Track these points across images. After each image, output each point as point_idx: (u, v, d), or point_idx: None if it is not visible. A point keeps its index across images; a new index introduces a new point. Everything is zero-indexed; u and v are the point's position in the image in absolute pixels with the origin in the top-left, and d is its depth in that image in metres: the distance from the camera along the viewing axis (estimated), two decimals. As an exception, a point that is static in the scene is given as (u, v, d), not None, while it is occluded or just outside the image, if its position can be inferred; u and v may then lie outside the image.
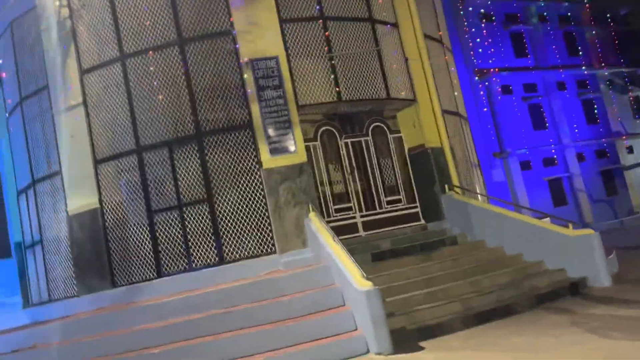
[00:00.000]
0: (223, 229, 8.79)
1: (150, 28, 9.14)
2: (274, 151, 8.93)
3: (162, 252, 8.88)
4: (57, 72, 9.67)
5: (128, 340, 7.21)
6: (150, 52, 9.04)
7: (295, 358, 6.52)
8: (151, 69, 9.09)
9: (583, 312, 6.85)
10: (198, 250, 8.80)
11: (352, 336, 6.70)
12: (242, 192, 8.88)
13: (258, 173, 8.90)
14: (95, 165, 9.28)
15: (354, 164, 10.18)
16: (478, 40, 23.74)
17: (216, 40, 9.10)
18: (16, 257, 12.14)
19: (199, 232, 8.82)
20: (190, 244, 8.82)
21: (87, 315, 8.34)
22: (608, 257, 8.67)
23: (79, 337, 7.66)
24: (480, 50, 23.67)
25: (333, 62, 9.57)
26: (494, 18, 24.58)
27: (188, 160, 8.96)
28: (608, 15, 27.96)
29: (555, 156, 24.80)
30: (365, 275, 6.69)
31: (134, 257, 8.97)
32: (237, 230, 8.81)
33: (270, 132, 8.94)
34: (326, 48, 9.55)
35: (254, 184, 8.90)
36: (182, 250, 8.83)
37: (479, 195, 11.08)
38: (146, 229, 8.96)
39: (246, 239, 8.81)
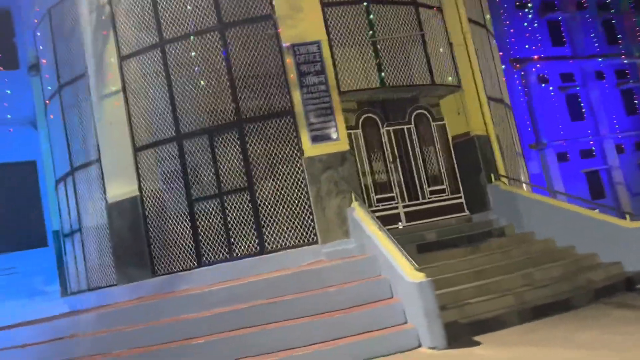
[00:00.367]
0: (264, 218, 8.60)
1: (190, 13, 8.95)
2: (315, 139, 8.68)
3: (203, 241, 8.73)
4: (96, 58, 9.56)
5: (171, 330, 7.06)
6: (192, 36, 8.84)
7: (344, 351, 6.27)
8: (191, 55, 8.90)
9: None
10: (239, 240, 8.63)
11: (402, 329, 6.44)
12: (283, 181, 8.66)
13: (299, 161, 8.66)
14: (135, 152, 9.16)
15: (396, 153, 9.86)
16: (514, 29, 23.09)
17: (257, 25, 8.87)
18: (54, 246, 12.19)
19: (239, 221, 8.64)
20: (230, 233, 8.65)
21: (128, 305, 8.23)
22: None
23: (120, 326, 7.55)
24: (516, 39, 23.02)
25: (376, 47, 9.26)
26: (530, 6, 23.89)
27: (228, 148, 8.77)
28: (649, 2, 26.94)
29: (593, 148, 24.08)
30: (417, 266, 6.40)
31: (174, 245, 8.85)
32: (278, 219, 8.60)
33: (312, 119, 8.68)
34: (369, 33, 9.24)
35: (295, 173, 8.68)
36: (222, 239, 8.67)
37: (524, 185, 10.68)
38: (186, 217, 8.82)
39: (287, 228, 8.60)
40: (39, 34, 10.97)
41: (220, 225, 8.69)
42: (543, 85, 23.46)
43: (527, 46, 23.21)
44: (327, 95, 8.77)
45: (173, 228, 8.88)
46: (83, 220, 10.06)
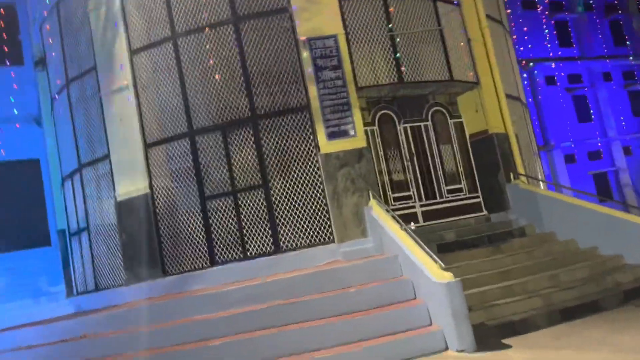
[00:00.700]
0: (279, 216, 8.35)
1: (203, 5, 8.72)
2: (332, 135, 8.44)
3: (216, 239, 8.48)
4: (106, 53, 9.32)
5: (186, 332, 6.79)
6: (206, 29, 8.60)
7: (367, 353, 6.02)
8: (204, 48, 8.67)
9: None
10: (253, 238, 8.38)
11: (427, 332, 6.19)
12: (298, 178, 8.42)
13: (315, 158, 8.43)
14: (145, 149, 8.92)
15: (413, 150, 9.62)
16: (521, 29, 22.85)
17: (272, 17, 8.64)
18: (59, 245, 11.92)
19: (253, 219, 8.39)
20: (244, 231, 8.40)
21: (139, 305, 7.97)
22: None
23: (132, 327, 7.29)
24: (523, 39, 22.79)
25: (394, 41, 9.03)
26: (538, 6, 23.68)
27: (242, 144, 8.53)
28: (657, 3, 26.75)
29: (600, 149, 23.85)
30: (443, 266, 6.15)
31: (186, 244, 8.60)
32: (294, 217, 8.36)
33: (328, 115, 8.44)
34: (387, 27, 9.01)
35: (311, 170, 8.43)
36: (236, 238, 8.41)
37: (540, 184, 10.44)
38: (198, 215, 8.57)
39: (303, 227, 8.35)
40: (47, 27, 10.72)
41: (233, 223, 8.45)
42: (550, 86, 23.23)
43: (535, 47, 22.97)
44: (344, 91, 8.53)
45: (185, 226, 8.63)
46: (91, 218, 9.79)
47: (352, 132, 8.48)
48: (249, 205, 8.44)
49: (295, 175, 8.42)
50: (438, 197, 9.59)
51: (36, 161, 13.51)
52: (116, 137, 9.16)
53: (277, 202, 8.38)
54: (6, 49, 12.50)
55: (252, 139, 8.49)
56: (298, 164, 8.44)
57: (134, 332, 7.10)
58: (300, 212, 8.36)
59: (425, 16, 9.41)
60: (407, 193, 9.44)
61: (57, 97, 10.59)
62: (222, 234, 8.48)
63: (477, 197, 9.84)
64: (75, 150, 10.04)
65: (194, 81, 8.75)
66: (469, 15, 9.96)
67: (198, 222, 8.56)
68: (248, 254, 8.36)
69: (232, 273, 8.11)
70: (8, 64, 12.59)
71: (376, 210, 7.96)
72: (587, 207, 8.75)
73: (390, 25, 9.09)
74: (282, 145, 8.48)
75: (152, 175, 8.88)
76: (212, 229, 8.51)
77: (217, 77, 8.48)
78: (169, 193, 8.80)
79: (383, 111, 9.55)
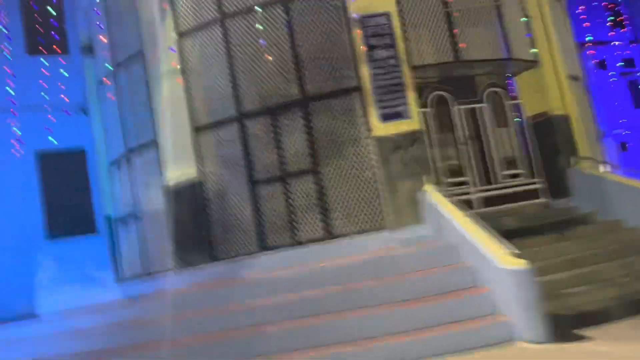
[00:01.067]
0: (330, 202, 8.09)
1: (252, -15, 8.48)
2: (385, 117, 8.11)
3: (265, 225, 8.28)
4: (153, 36, 9.21)
5: (238, 317, 6.64)
6: (256, 9, 8.36)
7: (429, 342, 5.73)
8: (253, 29, 8.43)
9: None
10: (303, 224, 8.15)
11: (494, 321, 5.84)
12: (350, 162, 8.13)
13: (367, 141, 8.11)
14: (194, 133, 8.77)
15: (467, 133, 9.20)
16: (570, 11, 21.86)
17: (322, -5, 8.34)
18: (107, 232, 11.97)
19: (304, 205, 8.16)
20: (294, 216, 8.17)
21: (190, 291, 7.87)
22: None
23: (183, 312, 7.18)
24: (573, 21, 21.80)
25: (449, 19, 8.61)
26: (588, -13, 22.61)
27: (292, 127, 8.28)
28: None
29: (656, 137, 22.70)
30: (516, 252, 5.78)
31: (235, 230, 8.43)
32: (345, 203, 8.08)
33: (381, 95, 8.11)
34: (442, 3, 8.59)
35: (362, 153, 8.13)
36: (286, 223, 8.20)
37: (605, 168, 9.86)
38: (248, 200, 8.37)
39: (354, 212, 8.07)
40: (94, 12, 10.67)
41: (283, 208, 8.23)
42: (602, 70, 22.20)
43: (585, 30, 21.96)
44: (398, 70, 8.17)
45: (234, 212, 8.46)
46: (138, 204, 9.74)
47: (406, 114, 8.13)
48: (299, 190, 8.20)
49: (347, 159, 8.14)
50: (494, 183, 9.15)
51: (82, 148, 13.65)
52: (164, 122, 9.05)
53: (328, 187, 8.12)
54: (56, 38, 12.56)
55: (302, 121, 8.24)
56: (349, 147, 8.15)
57: (186, 317, 6.98)
58: (352, 197, 8.08)
59: (482, -9, 8.96)
60: (462, 178, 9.03)
61: (104, 82, 10.56)
62: (271, 219, 8.27)
63: (537, 182, 9.34)
64: (122, 136, 10.00)
65: (242, 63, 8.53)
66: (527, -10, 9.44)
67: (247, 207, 8.38)
68: (298, 240, 8.13)
69: (283, 259, 7.90)
70: (55, 52, 12.66)
71: (433, 195, 7.61)
72: (661, 193, 8.17)
73: (442, 3, 8.68)
74: (333, 128, 8.20)
75: (200, 160, 8.72)
76: (261, 214, 8.31)
77: (270, 58, 8.18)
78: (218, 178, 8.64)
79: (436, 92, 9.14)
